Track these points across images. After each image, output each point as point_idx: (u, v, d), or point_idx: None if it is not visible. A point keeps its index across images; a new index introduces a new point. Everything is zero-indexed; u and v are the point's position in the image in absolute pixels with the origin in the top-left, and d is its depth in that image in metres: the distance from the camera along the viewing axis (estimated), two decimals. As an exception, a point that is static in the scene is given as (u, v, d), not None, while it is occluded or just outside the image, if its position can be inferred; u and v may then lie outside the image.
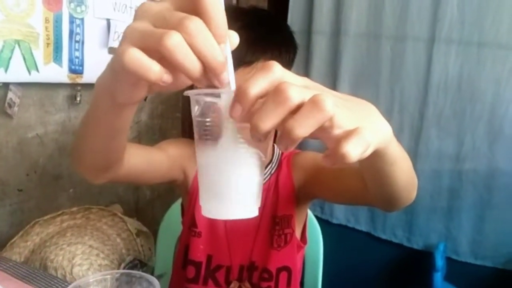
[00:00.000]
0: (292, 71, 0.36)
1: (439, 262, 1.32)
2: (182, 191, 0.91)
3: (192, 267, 0.86)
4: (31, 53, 1.13)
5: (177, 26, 0.32)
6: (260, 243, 0.86)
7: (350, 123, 0.34)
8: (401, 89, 1.47)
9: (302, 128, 0.32)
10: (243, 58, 0.70)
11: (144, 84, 0.39)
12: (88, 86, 1.29)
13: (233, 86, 0.36)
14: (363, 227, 1.60)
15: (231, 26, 0.35)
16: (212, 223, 0.85)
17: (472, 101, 1.36)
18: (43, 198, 1.28)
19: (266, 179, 0.87)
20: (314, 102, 0.32)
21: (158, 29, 0.33)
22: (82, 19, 1.23)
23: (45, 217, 1.22)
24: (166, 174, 0.84)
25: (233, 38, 0.36)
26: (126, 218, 1.32)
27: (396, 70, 1.47)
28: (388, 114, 0.41)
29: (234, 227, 0.85)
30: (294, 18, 1.66)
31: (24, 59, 1.12)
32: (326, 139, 0.34)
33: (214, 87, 0.36)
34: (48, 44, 1.16)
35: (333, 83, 1.56)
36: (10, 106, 1.15)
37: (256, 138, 0.34)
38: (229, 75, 0.36)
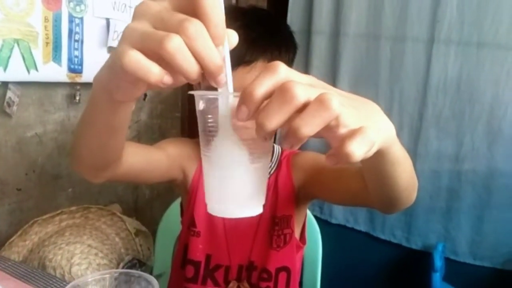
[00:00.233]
0: None
1: (438, 262, 1.33)
2: (181, 190, 0.91)
3: (191, 267, 0.86)
4: (30, 52, 1.13)
5: (177, 29, 0.32)
6: (259, 243, 0.86)
7: (356, 122, 0.34)
8: (400, 90, 1.47)
9: (308, 127, 0.32)
10: (243, 57, 0.70)
11: (143, 83, 0.39)
12: (88, 85, 1.29)
13: (230, 87, 0.37)
14: (362, 227, 1.60)
15: (230, 25, 0.35)
16: (211, 222, 0.85)
17: (471, 102, 1.36)
18: (42, 198, 1.28)
19: (266, 178, 0.87)
20: (320, 101, 0.32)
21: (158, 31, 0.33)
22: (81, 19, 1.23)
23: (44, 217, 1.22)
24: (165, 174, 0.84)
25: (232, 38, 0.36)
26: (125, 217, 1.32)
27: (396, 70, 1.47)
28: (387, 115, 0.41)
29: (233, 227, 0.85)
30: (294, 18, 1.66)
31: (23, 58, 1.11)
32: (331, 138, 0.34)
33: (212, 87, 0.36)
34: (47, 43, 1.16)
35: (332, 84, 1.55)
36: (9, 105, 1.14)
37: (262, 137, 0.34)
38: (226, 76, 0.36)
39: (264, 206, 0.40)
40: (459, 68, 1.36)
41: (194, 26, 0.32)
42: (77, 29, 1.22)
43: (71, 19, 1.20)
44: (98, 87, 0.44)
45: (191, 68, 0.33)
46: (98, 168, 0.64)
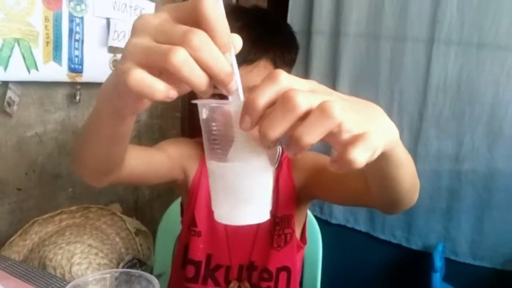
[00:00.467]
0: (293, 71, 0.36)
1: (438, 262, 1.33)
2: (182, 190, 0.91)
3: (192, 267, 0.86)
4: (31, 52, 1.13)
5: (181, 41, 0.32)
6: (260, 243, 0.86)
7: (358, 127, 0.33)
8: (400, 90, 1.47)
9: (311, 135, 0.32)
10: (246, 56, 0.70)
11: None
12: (88, 85, 1.29)
13: (241, 94, 0.36)
14: (362, 227, 1.60)
15: (232, 25, 0.35)
16: (212, 222, 0.85)
17: (471, 102, 1.36)
18: (42, 197, 1.28)
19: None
20: (322, 109, 0.32)
21: (162, 45, 0.33)
22: (81, 18, 1.23)
23: (44, 216, 1.22)
24: (166, 175, 0.84)
25: (237, 42, 0.36)
26: (125, 217, 1.32)
27: (396, 70, 1.47)
28: (387, 115, 0.41)
29: (234, 227, 0.84)
30: (294, 18, 1.66)
31: (24, 57, 1.11)
32: (334, 144, 0.34)
33: (218, 96, 0.36)
34: (47, 42, 1.16)
35: (332, 84, 1.56)
36: (9, 104, 1.14)
37: (265, 145, 0.34)
38: (236, 83, 0.36)
39: (270, 212, 0.41)
40: (459, 69, 1.36)
41: (198, 36, 0.32)
42: (78, 29, 1.22)
43: (71, 19, 1.20)
44: (102, 101, 0.44)
45: (199, 79, 0.33)
46: (101, 173, 0.64)
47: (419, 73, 1.43)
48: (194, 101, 0.38)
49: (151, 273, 1.04)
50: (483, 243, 1.38)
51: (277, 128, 0.32)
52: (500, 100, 1.31)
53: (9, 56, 1.08)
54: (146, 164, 0.76)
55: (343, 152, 0.33)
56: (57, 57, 1.19)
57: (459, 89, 1.37)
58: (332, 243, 1.10)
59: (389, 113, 0.40)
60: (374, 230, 1.57)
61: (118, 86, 0.37)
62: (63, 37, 1.19)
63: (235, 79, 0.35)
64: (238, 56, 0.36)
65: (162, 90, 0.33)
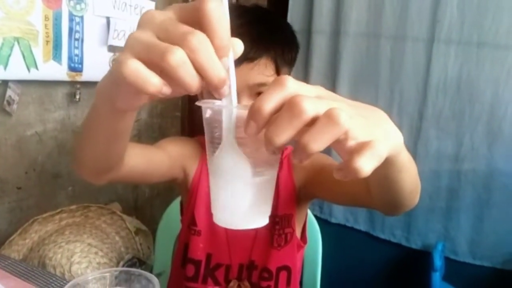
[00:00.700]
0: (293, 71, 0.36)
1: (438, 262, 1.33)
2: (182, 189, 0.91)
3: (192, 266, 0.86)
4: (31, 51, 1.12)
5: (180, 41, 0.32)
6: (260, 242, 0.86)
7: (365, 135, 0.33)
8: (400, 89, 1.47)
9: (317, 143, 0.32)
10: (246, 54, 0.70)
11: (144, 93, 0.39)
12: (88, 84, 1.29)
13: (234, 99, 0.36)
14: (362, 226, 1.60)
15: (233, 23, 0.35)
16: (212, 222, 0.85)
17: (471, 102, 1.36)
18: (42, 196, 1.28)
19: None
20: (329, 116, 0.32)
21: (161, 43, 0.33)
22: (81, 17, 1.23)
23: (44, 215, 1.22)
24: (166, 173, 0.84)
25: (237, 47, 0.36)
26: (125, 216, 1.32)
27: (396, 70, 1.47)
28: (387, 114, 0.41)
29: (234, 227, 0.84)
30: (294, 18, 1.66)
31: (24, 56, 1.11)
32: (340, 151, 0.34)
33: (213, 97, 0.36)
34: (47, 41, 1.16)
35: (332, 83, 1.56)
36: (9, 103, 1.14)
37: (271, 151, 0.34)
38: (230, 87, 0.36)
39: (269, 217, 0.41)
40: (459, 68, 1.36)
41: (197, 38, 0.32)
42: (77, 28, 1.22)
43: (71, 18, 1.20)
44: (100, 96, 0.44)
45: (192, 82, 0.33)
46: (101, 171, 0.64)
47: (419, 72, 1.43)
48: (197, 103, 0.38)
49: (151, 272, 1.04)
50: (483, 242, 1.38)
51: (283, 134, 0.32)
52: (500, 99, 1.31)
53: (9, 55, 1.08)
54: (146, 163, 0.76)
55: (349, 160, 0.33)
56: (57, 56, 1.19)
57: (459, 88, 1.37)
58: (332, 242, 1.10)
59: (389, 113, 0.40)
60: (373, 230, 1.57)
61: (114, 78, 0.37)
62: (63, 36, 1.19)
63: (229, 84, 0.35)
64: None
65: (155, 84, 0.33)
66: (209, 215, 0.43)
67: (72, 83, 1.27)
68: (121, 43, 1.33)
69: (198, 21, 0.33)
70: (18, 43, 1.10)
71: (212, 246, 0.86)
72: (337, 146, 0.33)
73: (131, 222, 1.31)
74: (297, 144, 0.33)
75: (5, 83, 1.13)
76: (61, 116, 1.29)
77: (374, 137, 0.33)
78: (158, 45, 0.33)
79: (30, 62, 1.13)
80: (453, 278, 1.39)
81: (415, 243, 1.49)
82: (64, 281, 0.75)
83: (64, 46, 1.20)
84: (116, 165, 0.63)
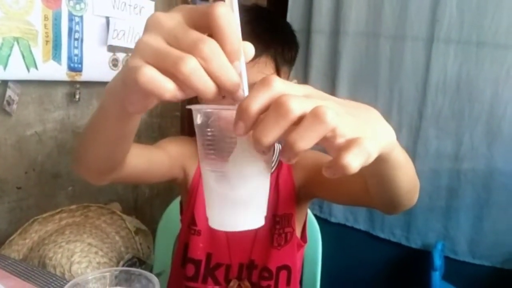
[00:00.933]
0: (292, 70, 0.36)
1: (437, 261, 1.33)
2: (182, 189, 0.91)
3: (192, 265, 0.86)
4: (30, 51, 1.12)
5: (192, 50, 0.32)
6: (260, 241, 0.86)
7: (353, 132, 0.33)
8: (399, 89, 1.47)
9: (304, 141, 0.32)
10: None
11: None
12: (87, 84, 1.29)
13: None
14: (361, 226, 1.60)
15: None
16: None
17: (470, 101, 1.36)
18: (41, 196, 1.28)
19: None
20: (315, 114, 0.32)
21: (173, 51, 0.33)
22: (81, 17, 1.23)
23: (44, 215, 1.22)
24: (166, 173, 0.84)
25: (248, 50, 0.36)
26: (125, 216, 1.32)
27: (395, 69, 1.47)
28: (386, 114, 0.40)
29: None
30: (294, 17, 1.66)
31: (23, 56, 1.11)
32: (329, 148, 0.34)
33: (222, 103, 0.36)
34: (47, 41, 1.16)
35: (332, 83, 1.56)
36: (8, 103, 1.14)
37: (260, 151, 0.34)
38: (244, 91, 0.36)
39: (270, 216, 0.41)
40: (458, 67, 1.37)
41: (208, 47, 0.32)
42: (77, 28, 1.22)
43: (71, 18, 1.20)
44: (109, 98, 0.44)
45: (208, 88, 0.33)
46: (102, 172, 0.64)
47: (418, 72, 1.43)
48: (188, 107, 0.38)
49: (151, 271, 1.04)
50: (482, 242, 1.38)
51: (271, 134, 0.32)
52: (499, 99, 1.32)
53: (9, 55, 1.08)
54: (147, 163, 0.76)
55: (337, 157, 0.33)
56: (56, 56, 1.18)
57: (458, 88, 1.37)
58: (332, 242, 1.10)
59: (389, 112, 0.40)
60: (373, 229, 1.57)
61: (126, 83, 0.37)
62: (63, 36, 1.19)
63: (243, 87, 0.35)
64: None
65: (171, 90, 0.33)
66: (209, 215, 0.43)
67: (72, 83, 1.27)
68: (120, 43, 1.33)
69: (207, 25, 0.33)
70: (18, 43, 1.10)
71: (212, 245, 0.86)
72: (326, 143, 0.34)
73: (131, 222, 1.31)
74: (284, 143, 0.33)
75: (5, 83, 1.13)
76: (61, 116, 1.29)
77: (363, 134, 0.33)
78: (170, 53, 0.33)
79: (30, 62, 1.13)
80: (452, 277, 1.39)
81: (415, 243, 1.50)
82: (64, 281, 0.75)
83: (64, 46, 1.20)
84: (118, 166, 0.63)
